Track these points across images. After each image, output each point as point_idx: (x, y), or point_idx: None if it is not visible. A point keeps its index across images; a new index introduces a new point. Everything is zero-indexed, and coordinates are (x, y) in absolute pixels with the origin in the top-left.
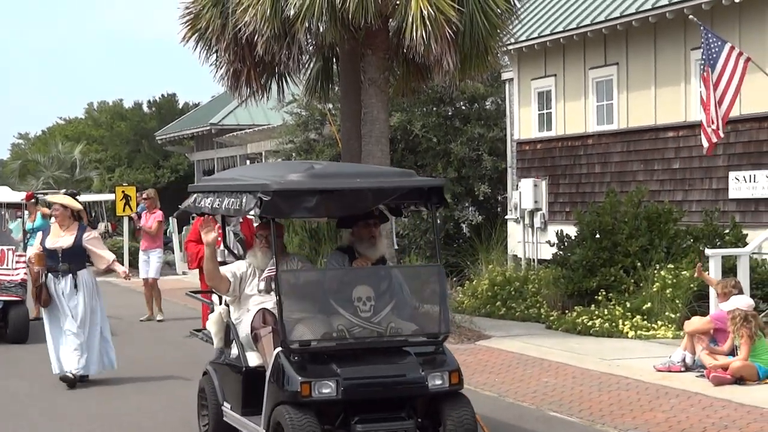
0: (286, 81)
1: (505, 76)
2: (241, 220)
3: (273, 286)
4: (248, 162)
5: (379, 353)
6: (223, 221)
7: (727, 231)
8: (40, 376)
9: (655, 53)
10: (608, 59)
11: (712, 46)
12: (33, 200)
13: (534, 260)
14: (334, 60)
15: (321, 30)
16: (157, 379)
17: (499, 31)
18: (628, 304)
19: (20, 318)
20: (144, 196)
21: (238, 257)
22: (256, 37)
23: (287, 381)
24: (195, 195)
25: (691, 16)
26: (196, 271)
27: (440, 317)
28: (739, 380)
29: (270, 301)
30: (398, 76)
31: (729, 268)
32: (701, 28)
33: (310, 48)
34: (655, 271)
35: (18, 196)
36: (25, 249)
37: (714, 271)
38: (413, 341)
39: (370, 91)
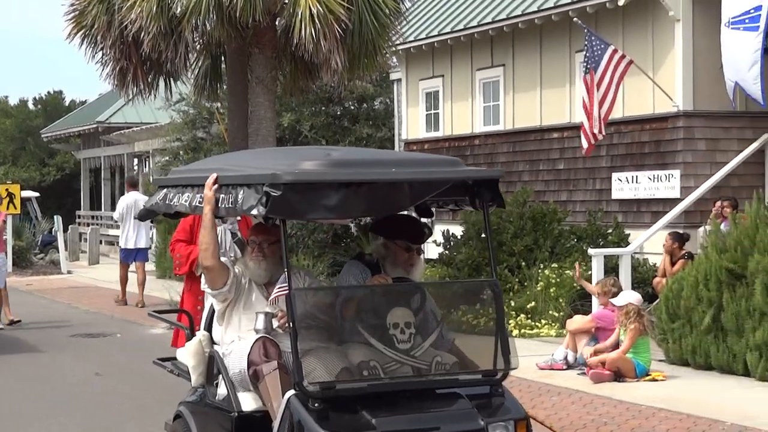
0: (174, 79)
1: (393, 76)
2: (239, 217)
3: (277, 311)
4: (135, 161)
5: (423, 397)
6: None
7: (609, 231)
8: None
9: (541, 55)
10: (495, 60)
11: (595, 48)
12: None
13: None
14: (222, 58)
15: (208, 28)
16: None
17: (387, 30)
18: (512, 303)
19: None
20: None
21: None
22: (142, 35)
23: None
24: (165, 190)
25: (575, 19)
26: (87, 269)
27: (498, 348)
28: (619, 377)
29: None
30: (287, 75)
31: (611, 268)
32: (585, 30)
33: (198, 46)
34: (540, 271)
35: None
36: None
37: (596, 270)
38: (464, 380)
39: (257, 90)
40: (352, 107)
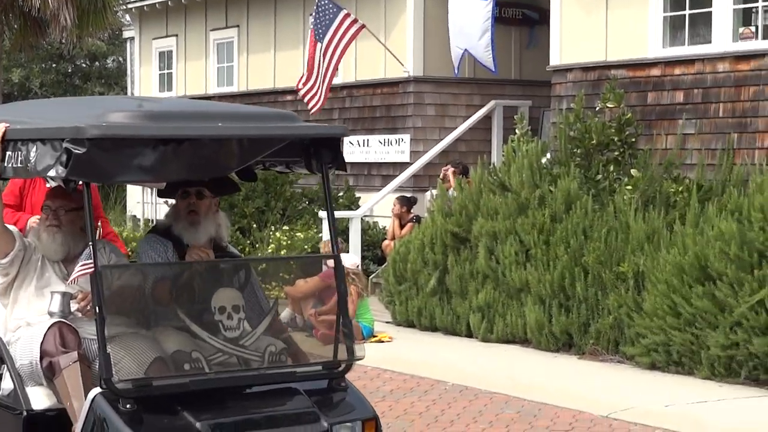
0: None
1: (126, 34)
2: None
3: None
4: None
5: (255, 393)
6: None
7: (341, 194)
8: None
9: (275, 17)
10: (229, 21)
11: (326, 12)
12: None
13: (153, 221)
14: None
15: None
16: None
17: None
18: None
19: None
20: None
21: None
22: None
23: None
24: None
25: None
26: None
27: (339, 336)
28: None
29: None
30: (15, 31)
31: (342, 231)
32: None
33: None
34: (271, 233)
35: None
36: None
37: (327, 233)
38: (302, 374)
39: None
40: (84, 65)
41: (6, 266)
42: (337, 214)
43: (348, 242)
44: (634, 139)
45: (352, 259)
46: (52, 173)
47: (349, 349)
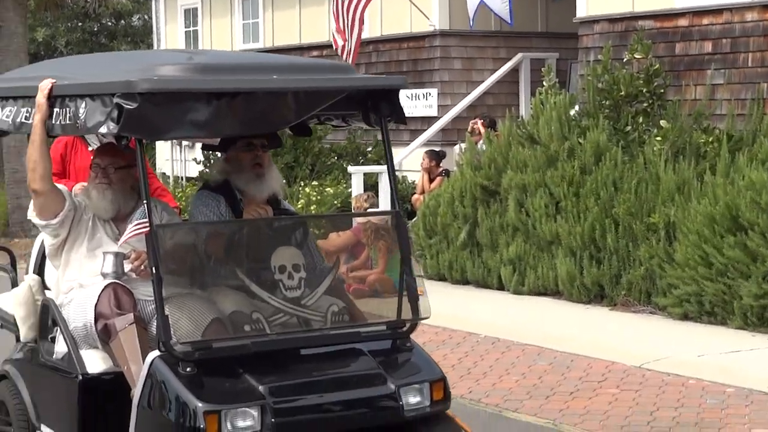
0: None
1: None
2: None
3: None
4: None
5: (318, 356)
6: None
7: (369, 149)
8: None
9: None
10: None
11: None
12: None
13: (182, 178)
14: None
15: None
16: None
17: None
18: None
19: None
20: None
21: None
22: None
23: (177, 409)
24: None
25: None
26: None
27: (403, 294)
28: (378, 293)
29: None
30: None
31: (372, 185)
32: None
33: None
34: (300, 188)
35: None
36: None
37: (356, 188)
38: (365, 334)
39: (7, 4)
40: (110, 23)
41: (56, 227)
42: (367, 168)
43: (378, 197)
44: (662, 90)
45: None
46: (103, 129)
47: (414, 309)
